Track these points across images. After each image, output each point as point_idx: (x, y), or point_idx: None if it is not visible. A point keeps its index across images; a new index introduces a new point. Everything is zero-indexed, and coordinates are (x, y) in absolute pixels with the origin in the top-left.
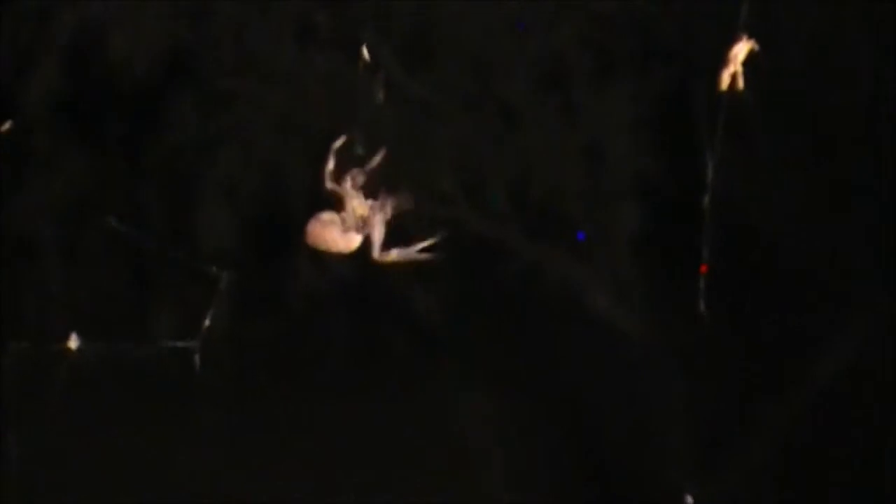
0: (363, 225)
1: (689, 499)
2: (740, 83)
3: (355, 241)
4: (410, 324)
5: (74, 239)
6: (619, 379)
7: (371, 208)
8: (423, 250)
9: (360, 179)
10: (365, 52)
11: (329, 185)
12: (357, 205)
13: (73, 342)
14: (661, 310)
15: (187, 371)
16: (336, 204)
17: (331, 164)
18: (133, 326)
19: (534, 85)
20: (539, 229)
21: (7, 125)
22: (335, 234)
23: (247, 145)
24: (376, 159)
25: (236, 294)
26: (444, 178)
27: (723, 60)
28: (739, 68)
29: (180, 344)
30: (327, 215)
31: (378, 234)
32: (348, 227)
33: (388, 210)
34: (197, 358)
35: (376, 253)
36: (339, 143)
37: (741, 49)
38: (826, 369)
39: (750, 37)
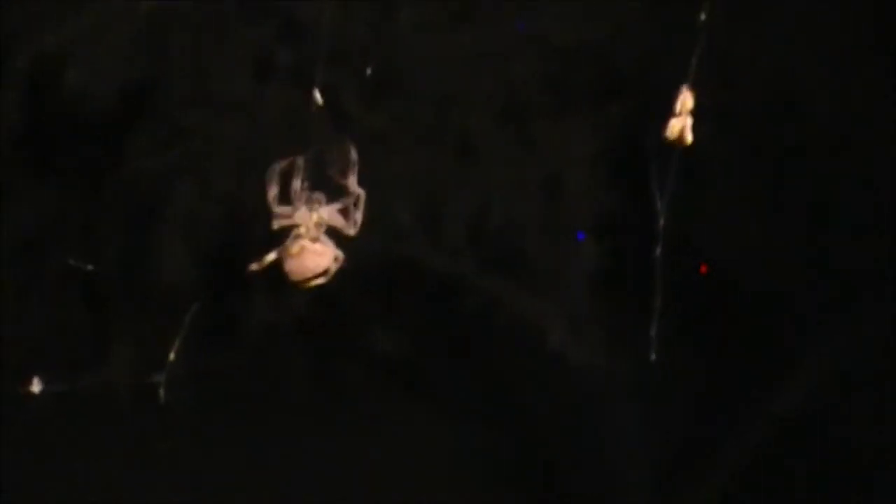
0: (324, 228)
1: None
2: (688, 136)
3: (329, 252)
4: (368, 358)
5: (31, 272)
6: (577, 412)
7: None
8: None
9: (305, 194)
10: (317, 94)
11: (277, 224)
12: (309, 216)
13: (36, 386)
14: (618, 344)
15: (148, 405)
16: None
17: (277, 208)
18: (92, 360)
19: (491, 119)
20: (496, 264)
21: None
22: (313, 258)
23: (204, 179)
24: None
25: (195, 327)
26: (402, 212)
27: (671, 108)
28: (688, 121)
29: (146, 380)
30: (294, 248)
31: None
32: (315, 239)
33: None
34: (161, 391)
35: (358, 223)
36: (273, 192)
37: (687, 98)
38: (783, 402)
39: (702, 79)
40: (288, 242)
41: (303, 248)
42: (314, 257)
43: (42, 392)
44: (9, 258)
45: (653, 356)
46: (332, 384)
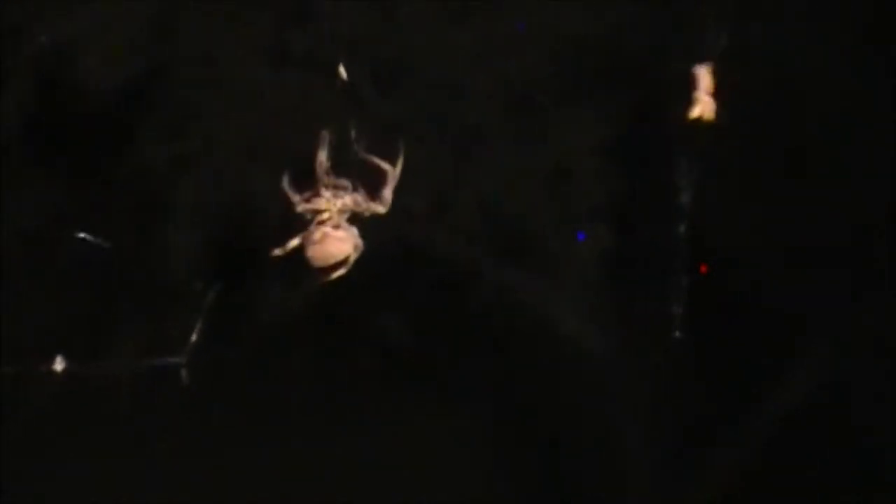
0: (348, 215)
1: None
2: (709, 113)
3: (351, 238)
4: (376, 347)
5: (44, 260)
6: (587, 400)
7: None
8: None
9: (329, 178)
10: (342, 70)
11: (301, 207)
12: (335, 203)
13: (59, 364)
14: (628, 332)
15: (155, 395)
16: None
17: (295, 197)
18: (100, 351)
19: (500, 109)
20: (508, 250)
21: None
22: (335, 244)
23: (216, 167)
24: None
25: (204, 317)
26: (411, 202)
27: (691, 86)
28: (707, 97)
29: (169, 360)
30: (317, 234)
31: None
32: (337, 226)
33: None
34: (184, 373)
35: (388, 201)
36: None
37: (706, 77)
38: (785, 401)
39: (718, 63)
40: (311, 229)
41: (325, 235)
42: (337, 243)
43: (66, 371)
44: (17, 248)
45: (676, 333)
46: (340, 373)
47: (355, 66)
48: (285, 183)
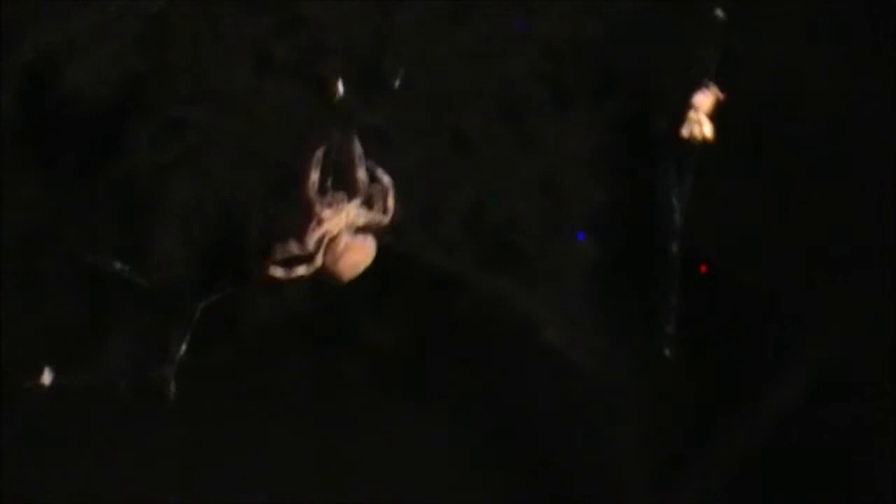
0: (354, 227)
1: None
2: (707, 133)
3: (370, 240)
4: (364, 354)
5: (31, 269)
6: (574, 409)
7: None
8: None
9: (328, 199)
10: (340, 86)
11: (312, 238)
12: (341, 218)
13: (47, 377)
14: (615, 342)
15: (144, 403)
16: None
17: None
18: (89, 357)
19: (489, 115)
20: (493, 261)
21: None
22: (361, 250)
23: (202, 174)
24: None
25: (192, 324)
26: (404, 204)
27: (685, 105)
28: (704, 118)
29: (144, 378)
30: (339, 247)
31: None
32: (356, 234)
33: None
34: (172, 386)
35: (390, 210)
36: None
37: (706, 98)
38: (784, 401)
39: (716, 82)
40: (328, 247)
41: (348, 245)
42: (362, 249)
43: (51, 384)
44: (7, 254)
45: (667, 352)
46: (328, 381)
47: (349, 71)
48: (277, 253)
